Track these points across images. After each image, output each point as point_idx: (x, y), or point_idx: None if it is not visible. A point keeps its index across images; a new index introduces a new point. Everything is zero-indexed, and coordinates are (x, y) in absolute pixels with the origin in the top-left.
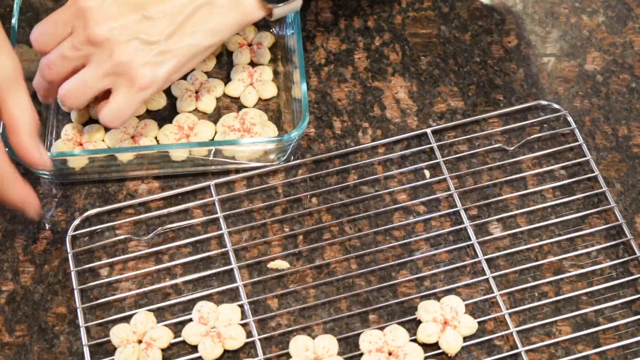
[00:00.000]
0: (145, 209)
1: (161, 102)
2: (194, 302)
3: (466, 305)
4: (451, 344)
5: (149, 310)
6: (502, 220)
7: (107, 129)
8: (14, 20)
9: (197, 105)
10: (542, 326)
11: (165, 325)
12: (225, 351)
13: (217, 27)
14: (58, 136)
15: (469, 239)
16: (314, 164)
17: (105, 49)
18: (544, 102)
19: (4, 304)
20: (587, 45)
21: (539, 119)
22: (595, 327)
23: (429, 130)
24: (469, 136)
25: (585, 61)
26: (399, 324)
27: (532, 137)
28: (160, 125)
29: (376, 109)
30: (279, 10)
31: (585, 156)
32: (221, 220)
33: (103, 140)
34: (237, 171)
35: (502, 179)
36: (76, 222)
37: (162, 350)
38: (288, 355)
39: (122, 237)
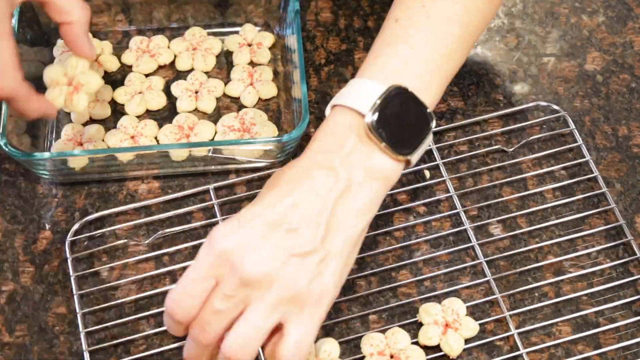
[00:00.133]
0: (145, 211)
1: (161, 102)
2: None
3: (467, 307)
4: (453, 346)
5: (149, 314)
6: (502, 221)
7: (107, 129)
8: (13, 20)
9: (197, 105)
10: (543, 327)
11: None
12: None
13: (364, 207)
14: (58, 136)
15: (470, 240)
16: None
17: (264, 283)
18: (543, 103)
19: (4, 304)
20: (587, 45)
21: (539, 119)
22: (596, 327)
23: None
24: (469, 137)
25: (585, 61)
26: (399, 326)
27: (532, 137)
28: (160, 125)
29: None
30: (415, 157)
31: (585, 157)
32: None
33: (103, 140)
34: (236, 172)
35: (502, 180)
36: (75, 226)
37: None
38: None
39: (122, 240)
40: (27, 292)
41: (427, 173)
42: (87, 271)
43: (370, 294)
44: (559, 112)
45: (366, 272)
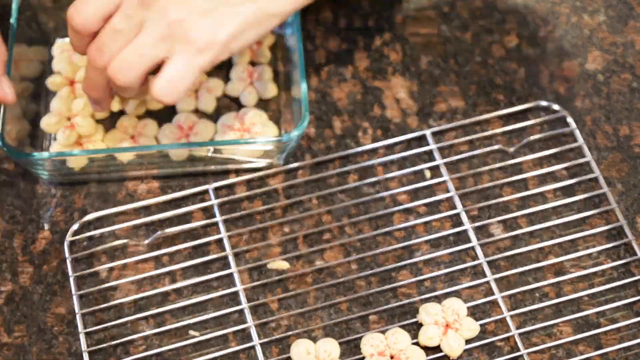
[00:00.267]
0: (144, 212)
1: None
2: (193, 305)
3: (467, 307)
4: (453, 346)
5: (149, 315)
6: (503, 221)
7: (107, 129)
8: (12, 20)
9: (197, 105)
10: (544, 327)
11: (167, 330)
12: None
13: None
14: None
15: (470, 240)
16: (314, 164)
17: (159, 9)
18: (544, 103)
19: (2, 305)
20: (588, 44)
21: (539, 119)
22: (597, 328)
23: (428, 132)
24: (470, 137)
25: (586, 60)
26: (400, 326)
27: (532, 137)
28: (160, 125)
29: (376, 108)
30: None
31: (586, 157)
32: (220, 224)
33: (103, 141)
34: (236, 172)
35: (502, 180)
36: (74, 227)
37: None
38: (288, 358)
39: (121, 241)
40: (26, 293)
41: (427, 173)
42: (86, 271)
43: (370, 294)
44: (559, 112)
45: (366, 272)
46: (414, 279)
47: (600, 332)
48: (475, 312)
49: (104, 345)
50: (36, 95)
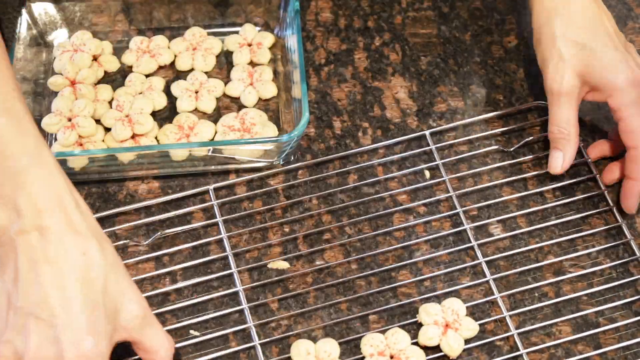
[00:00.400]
0: (144, 212)
1: (161, 103)
2: (194, 306)
3: (466, 307)
4: (453, 346)
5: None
6: (502, 221)
7: (107, 129)
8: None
9: (197, 105)
10: (543, 327)
11: (167, 330)
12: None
13: None
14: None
15: (469, 240)
16: (314, 164)
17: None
18: (543, 104)
19: None
20: None
21: (539, 119)
22: (596, 328)
23: (427, 132)
24: (469, 137)
25: None
26: (400, 326)
27: (531, 137)
28: (160, 125)
29: (376, 109)
30: None
31: (584, 157)
32: (220, 224)
33: (103, 141)
34: (236, 172)
35: (502, 180)
36: None
37: None
38: (288, 358)
39: (122, 241)
40: None
41: (427, 173)
42: None
43: (370, 294)
44: None
45: (366, 272)
46: (413, 279)
47: (599, 332)
48: (474, 312)
49: None
50: (37, 95)
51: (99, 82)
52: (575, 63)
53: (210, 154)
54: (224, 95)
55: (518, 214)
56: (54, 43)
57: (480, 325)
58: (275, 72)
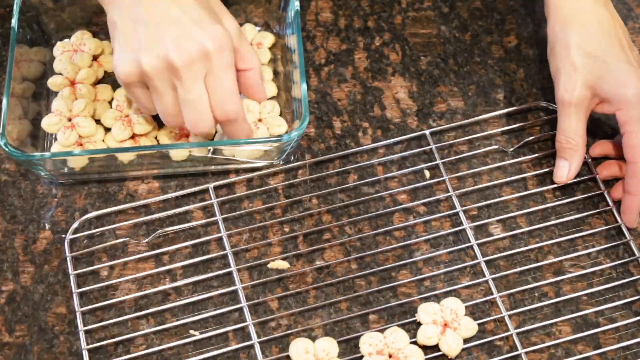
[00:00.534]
0: (144, 210)
1: None
2: (193, 304)
3: (466, 307)
4: (451, 346)
5: (149, 313)
6: (502, 221)
7: (107, 129)
8: (13, 21)
9: None
10: (542, 327)
11: (167, 328)
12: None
13: None
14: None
15: (469, 240)
16: (314, 164)
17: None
18: (543, 103)
19: (3, 304)
20: None
21: (539, 119)
22: (596, 327)
23: (427, 132)
24: (469, 137)
25: None
26: (399, 325)
27: (531, 137)
28: (160, 125)
29: (376, 109)
30: None
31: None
32: (220, 223)
33: (103, 141)
34: (236, 172)
35: (502, 180)
36: (74, 225)
37: None
38: (288, 357)
39: (122, 239)
40: (27, 292)
41: (427, 173)
42: (87, 269)
43: (369, 293)
44: None
45: (366, 272)
46: (413, 279)
47: (599, 332)
48: (474, 312)
49: (104, 343)
50: (37, 95)
51: (99, 82)
52: (587, 74)
53: (210, 154)
54: None
55: (518, 213)
56: (54, 43)
57: (479, 325)
58: (275, 72)
